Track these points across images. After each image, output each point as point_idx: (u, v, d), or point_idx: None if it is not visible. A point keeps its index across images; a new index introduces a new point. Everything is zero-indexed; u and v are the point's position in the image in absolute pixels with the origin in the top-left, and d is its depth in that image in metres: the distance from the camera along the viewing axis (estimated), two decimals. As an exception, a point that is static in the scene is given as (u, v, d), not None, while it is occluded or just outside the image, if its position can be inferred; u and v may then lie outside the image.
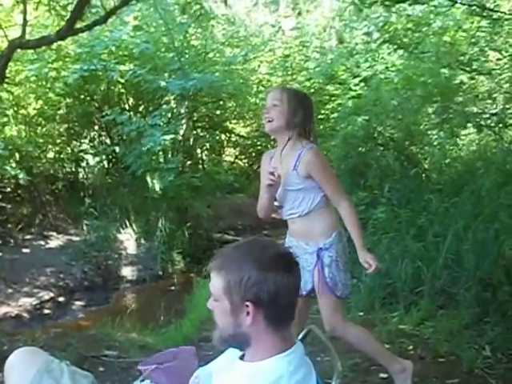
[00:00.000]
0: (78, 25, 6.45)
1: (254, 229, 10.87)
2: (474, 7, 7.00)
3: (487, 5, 7.50)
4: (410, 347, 4.13)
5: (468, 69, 8.16)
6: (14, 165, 9.16)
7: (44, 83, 9.71)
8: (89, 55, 9.24)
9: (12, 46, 6.40)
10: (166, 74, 10.00)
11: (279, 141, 3.11)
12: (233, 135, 13.90)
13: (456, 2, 6.57)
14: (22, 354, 2.23)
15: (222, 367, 1.78)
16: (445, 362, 3.84)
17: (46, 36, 7.25)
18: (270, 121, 3.02)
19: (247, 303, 1.57)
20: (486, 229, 5.14)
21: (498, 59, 8.45)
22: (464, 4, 7.20)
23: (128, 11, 9.27)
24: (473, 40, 8.74)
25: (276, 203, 3.13)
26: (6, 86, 8.71)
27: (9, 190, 9.25)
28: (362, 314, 4.95)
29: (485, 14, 6.99)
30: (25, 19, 6.40)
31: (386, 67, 10.19)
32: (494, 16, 7.07)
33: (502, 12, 7.48)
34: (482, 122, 7.92)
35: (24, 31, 6.28)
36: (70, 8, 7.04)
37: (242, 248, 1.68)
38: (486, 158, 7.40)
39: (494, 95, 8.50)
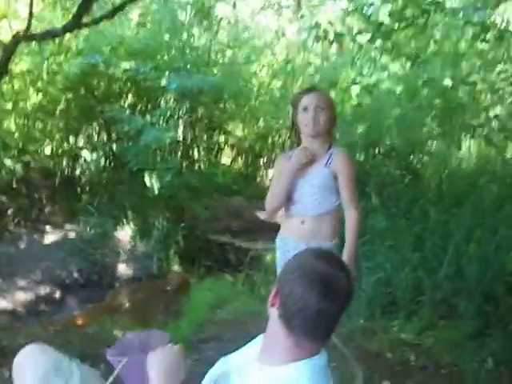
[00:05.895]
0: (85, 19, 6.46)
1: (249, 231, 10.82)
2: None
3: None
4: (412, 357, 4.13)
5: (470, 83, 8.16)
6: (11, 158, 9.12)
7: (45, 77, 9.65)
8: (91, 50, 9.19)
9: (16, 38, 6.36)
10: (168, 73, 9.95)
11: (307, 142, 3.11)
12: (231, 137, 13.85)
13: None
14: (32, 350, 2.20)
15: (240, 369, 1.75)
16: (447, 373, 3.84)
17: (51, 29, 7.21)
18: (317, 124, 3.02)
19: (277, 284, 1.65)
20: (487, 241, 5.15)
21: (501, 71, 8.43)
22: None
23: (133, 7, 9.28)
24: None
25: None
26: (7, 79, 8.69)
27: (5, 184, 9.17)
28: (362, 321, 4.95)
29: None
30: (31, 12, 6.36)
31: (388, 75, 10.17)
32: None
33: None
34: (484, 134, 7.93)
35: (30, 24, 6.24)
36: (76, 1, 7.03)
37: (317, 252, 1.73)
38: (487, 170, 7.42)
39: (497, 107, 8.50)
